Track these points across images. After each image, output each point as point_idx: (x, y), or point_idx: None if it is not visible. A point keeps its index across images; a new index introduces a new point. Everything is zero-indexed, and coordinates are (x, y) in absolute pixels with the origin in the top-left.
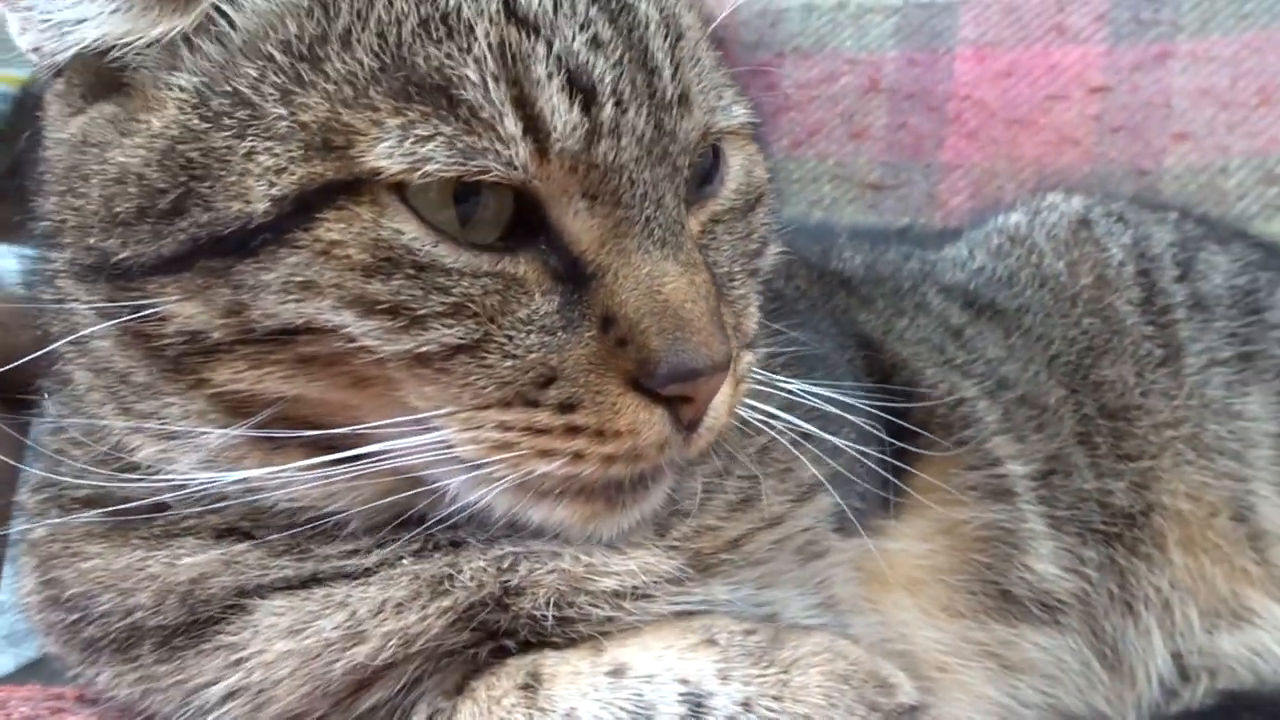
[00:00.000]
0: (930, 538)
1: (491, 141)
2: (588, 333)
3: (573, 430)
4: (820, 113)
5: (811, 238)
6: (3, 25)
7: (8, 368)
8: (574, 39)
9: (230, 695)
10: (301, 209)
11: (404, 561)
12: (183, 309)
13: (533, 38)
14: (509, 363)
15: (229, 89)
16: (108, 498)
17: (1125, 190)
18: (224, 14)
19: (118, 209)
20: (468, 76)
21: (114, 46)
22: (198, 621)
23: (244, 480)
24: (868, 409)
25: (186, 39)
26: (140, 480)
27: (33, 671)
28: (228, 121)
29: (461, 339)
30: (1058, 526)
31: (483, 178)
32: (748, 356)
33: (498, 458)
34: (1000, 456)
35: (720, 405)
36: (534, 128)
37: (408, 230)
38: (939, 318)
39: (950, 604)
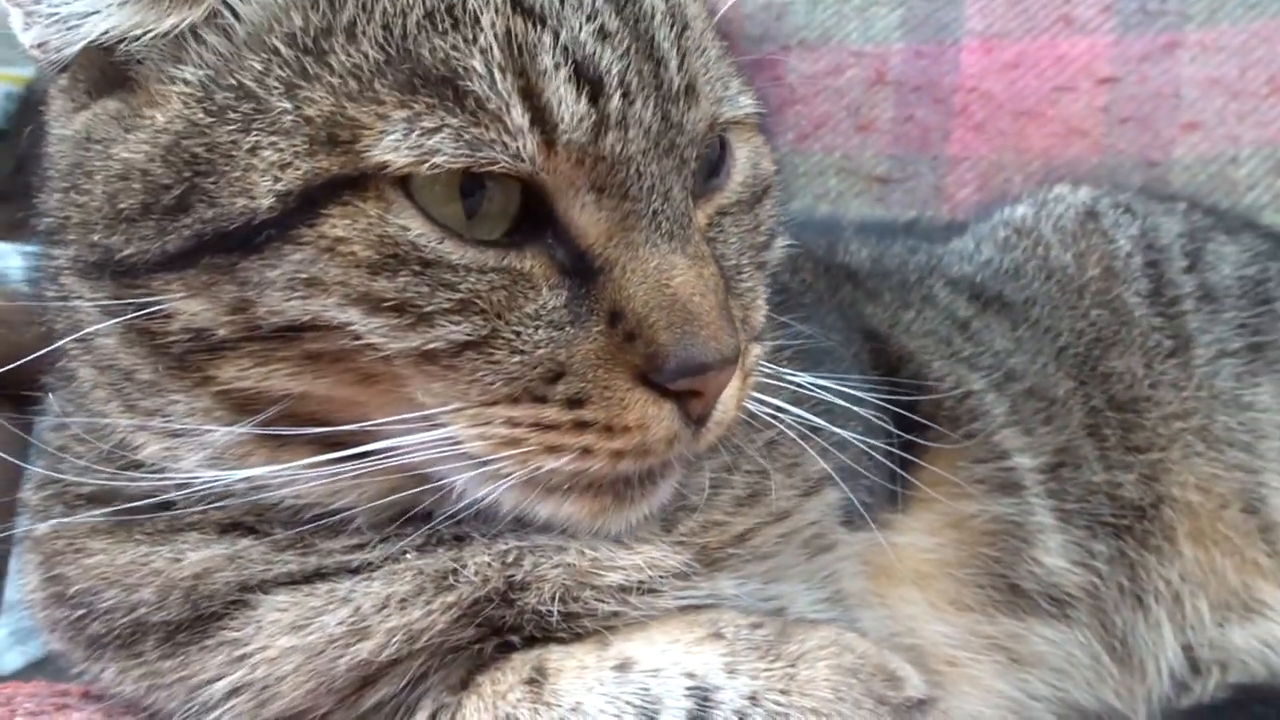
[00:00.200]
0: (938, 531)
1: (499, 133)
2: (595, 327)
3: (581, 426)
4: (826, 105)
5: (818, 231)
6: (5, 22)
7: (12, 365)
8: (580, 30)
9: (234, 691)
10: (306, 205)
11: (408, 556)
12: (188, 306)
13: (539, 28)
14: (516, 358)
15: (233, 83)
16: (112, 495)
17: (1134, 181)
18: (229, 6)
19: (122, 205)
20: (474, 68)
21: (121, 40)
22: (201, 617)
23: (250, 478)
24: (875, 402)
25: (193, 32)
26: (145, 478)
27: (40, 668)
28: (232, 116)
29: (469, 335)
30: (1066, 519)
31: (490, 169)
32: (756, 350)
33: (505, 454)
34: (1008, 449)
35: (729, 399)
36: (541, 119)
37: (413, 227)
38: (946, 310)
39: (958, 598)
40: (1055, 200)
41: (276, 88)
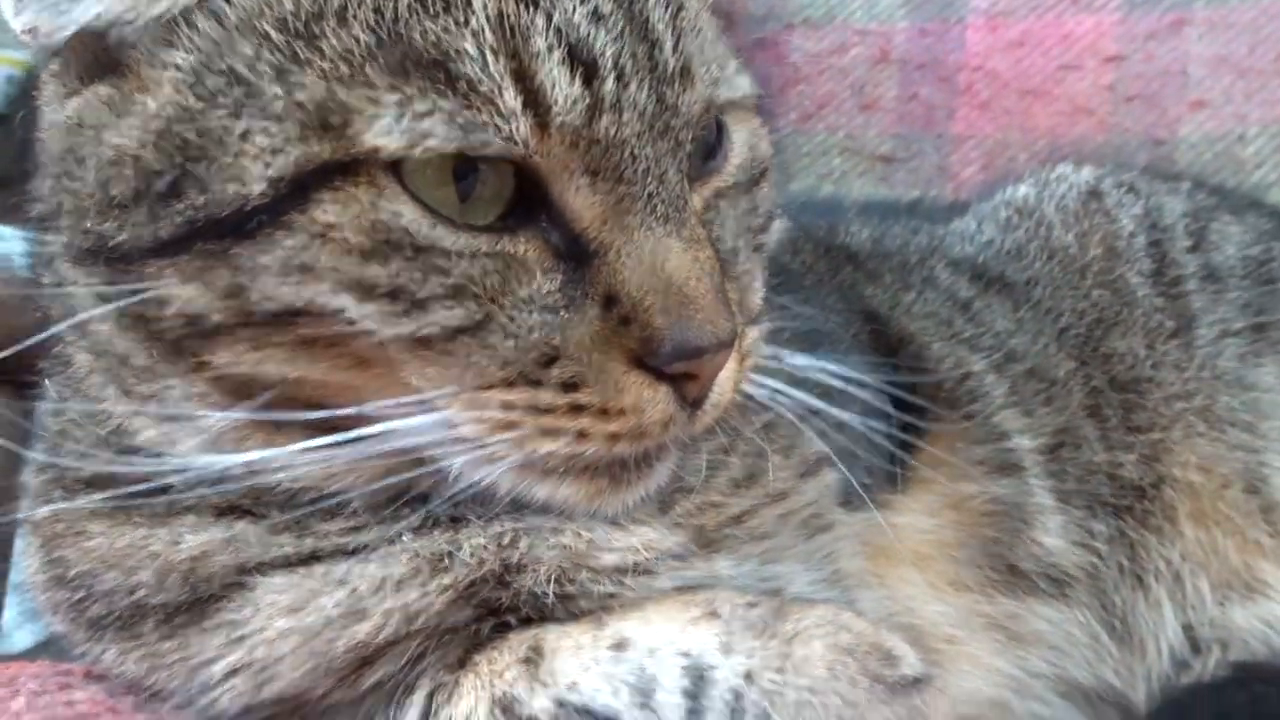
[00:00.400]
0: (937, 512)
1: (491, 116)
2: (590, 311)
3: (577, 409)
4: (830, 85)
5: (820, 212)
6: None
7: (12, 350)
8: (574, 11)
9: (233, 672)
10: (298, 191)
11: (404, 539)
12: (182, 292)
13: (531, 9)
14: (511, 343)
15: (224, 67)
16: (110, 479)
17: (1140, 160)
18: None
19: (114, 192)
20: (466, 50)
21: (113, 24)
22: (199, 599)
23: (246, 462)
24: (874, 384)
25: (184, 16)
26: (142, 462)
27: (48, 648)
28: (223, 101)
29: (463, 321)
30: (1066, 500)
31: (483, 152)
32: (752, 333)
33: (501, 437)
34: (1008, 430)
35: (725, 382)
36: (534, 101)
37: (405, 213)
38: (947, 291)
39: (957, 578)
40: (1058, 180)
41: (267, 72)
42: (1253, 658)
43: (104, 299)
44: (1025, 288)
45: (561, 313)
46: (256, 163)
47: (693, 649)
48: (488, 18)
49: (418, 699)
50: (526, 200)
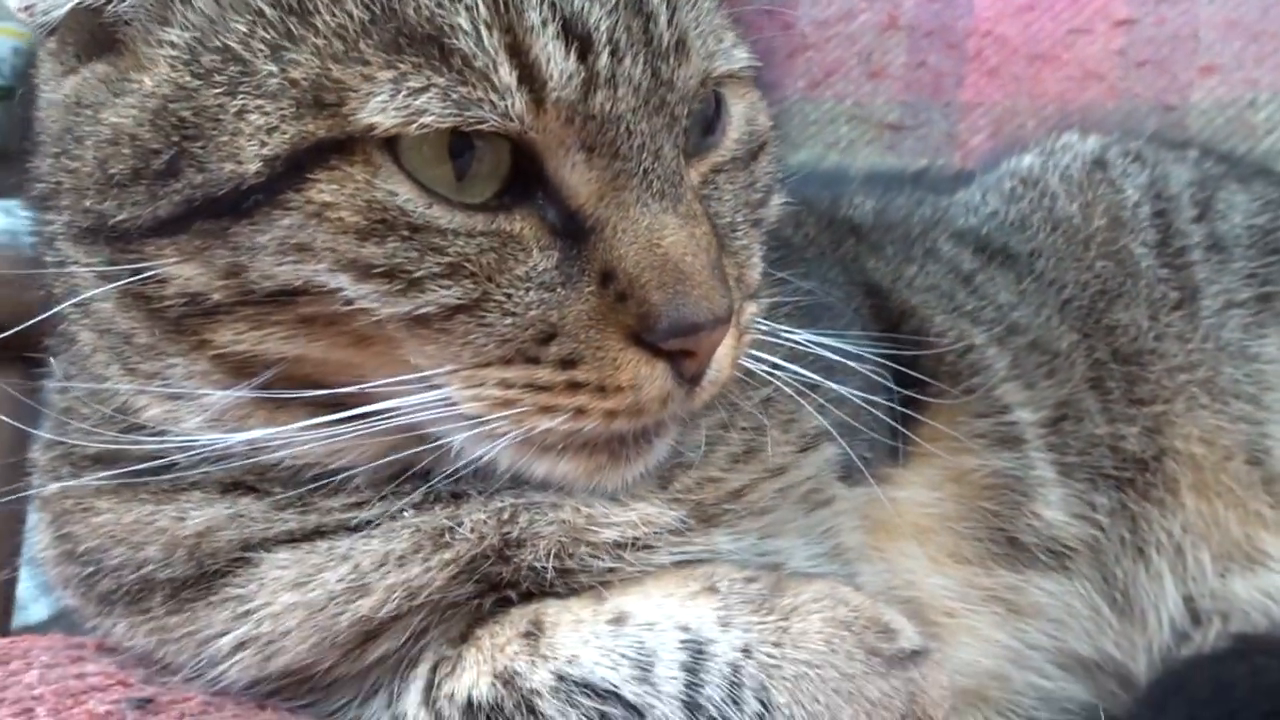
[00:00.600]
0: (938, 486)
1: (486, 92)
2: (587, 288)
3: (574, 386)
4: (838, 52)
5: (823, 183)
6: None
7: (19, 329)
8: None
9: (240, 646)
10: (293, 169)
11: (406, 515)
12: (182, 271)
13: None
14: (508, 320)
15: (219, 45)
16: (116, 456)
17: (1150, 125)
18: None
19: (112, 171)
20: (460, 25)
21: (109, 1)
22: (205, 574)
23: (249, 440)
24: (875, 357)
25: None
26: (147, 440)
27: (58, 621)
28: (218, 79)
29: (460, 299)
30: (1067, 473)
31: (479, 128)
32: (751, 308)
33: (500, 414)
34: (1009, 404)
35: (723, 358)
36: (529, 77)
37: (401, 192)
38: (949, 264)
39: (957, 551)
40: (1062, 150)
41: (262, 50)
42: (1253, 629)
43: (105, 278)
44: (1029, 259)
45: (558, 290)
46: (252, 141)
47: (691, 623)
48: None
49: (421, 672)
50: (522, 177)
